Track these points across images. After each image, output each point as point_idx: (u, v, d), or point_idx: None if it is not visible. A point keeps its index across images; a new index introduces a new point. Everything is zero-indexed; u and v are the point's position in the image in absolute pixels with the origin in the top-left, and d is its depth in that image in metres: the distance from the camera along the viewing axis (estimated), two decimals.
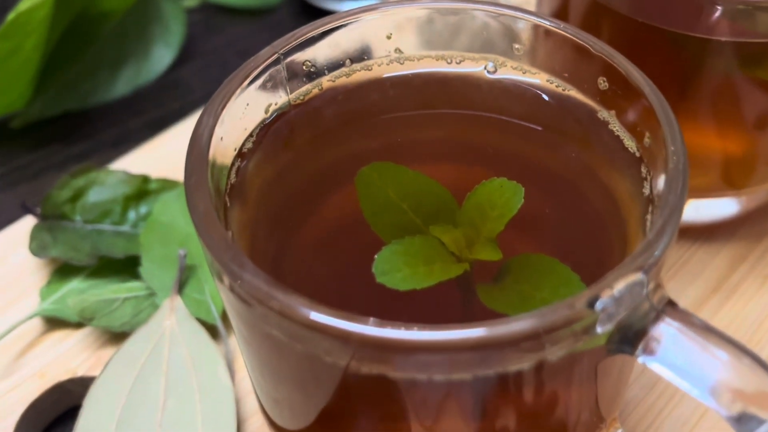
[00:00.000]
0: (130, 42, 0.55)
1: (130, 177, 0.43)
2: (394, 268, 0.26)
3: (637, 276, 0.23)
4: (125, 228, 0.42)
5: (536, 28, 0.31)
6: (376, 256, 0.26)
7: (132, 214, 0.42)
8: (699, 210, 0.42)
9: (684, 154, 0.26)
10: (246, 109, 0.29)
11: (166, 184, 0.43)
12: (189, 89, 0.55)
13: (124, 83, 0.54)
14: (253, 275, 0.23)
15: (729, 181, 0.41)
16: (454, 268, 0.27)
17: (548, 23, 0.30)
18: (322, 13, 0.60)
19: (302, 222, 0.29)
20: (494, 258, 0.27)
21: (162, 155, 0.47)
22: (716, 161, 0.40)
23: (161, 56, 0.55)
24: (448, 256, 0.27)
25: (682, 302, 0.40)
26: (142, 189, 0.43)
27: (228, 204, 0.28)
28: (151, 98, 0.54)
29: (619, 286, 0.22)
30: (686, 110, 0.39)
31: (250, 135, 0.30)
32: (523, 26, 0.31)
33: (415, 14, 0.32)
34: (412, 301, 0.26)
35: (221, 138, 0.27)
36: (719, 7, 0.33)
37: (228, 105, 0.28)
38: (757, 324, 0.40)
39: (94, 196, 0.42)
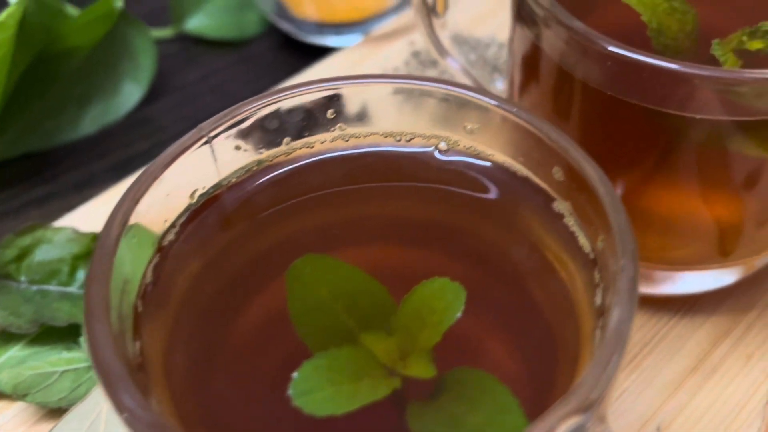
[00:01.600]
0: (98, 78, 0.53)
1: (78, 235, 0.41)
2: (316, 387, 0.24)
3: (579, 418, 0.20)
4: (72, 289, 0.40)
5: (489, 110, 0.28)
6: (294, 374, 0.24)
7: (81, 274, 0.40)
8: (681, 281, 0.40)
9: (635, 270, 0.23)
10: (167, 199, 0.27)
11: None
12: (158, 128, 0.53)
13: (90, 122, 0.52)
14: (138, 417, 0.21)
15: (712, 254, 0.38)
16: (383, 386, 0.24)
17: (502, 107, 0.28)
18: (302, 46, 0.58)
19: (225, 327, 0.27)
20: (427, 375, 0.25)
21: None
22: (699, 234, 0.37)
23: (130, 93, 0.53)
24: (379, 370, 0.25)
25: (659, 382, 0.38)
26: (92, 248, 0.41)
27: (140, 309, 0.25)
28: (118, 138, 0.52)
29: (560, 430, 0.20)
30: (666, 184, 0.36)
31: (172, 226, 0.27)
32: (477, 107, 0.28)
33: (362, 89, 0.29)
34: (337, 423, 0.24)
35: (133, 236, 0.25)
36: (705, 86, 0.31)
37: (143, 198, 0.25)
38: (739, 407, 0.37)
39: (40, 255, 0.40)
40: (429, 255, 0.29)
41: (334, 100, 0.29)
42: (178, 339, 0.26)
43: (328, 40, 0.58)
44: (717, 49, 0.35)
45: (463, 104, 0.28)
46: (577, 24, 0.31)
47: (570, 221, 0.27)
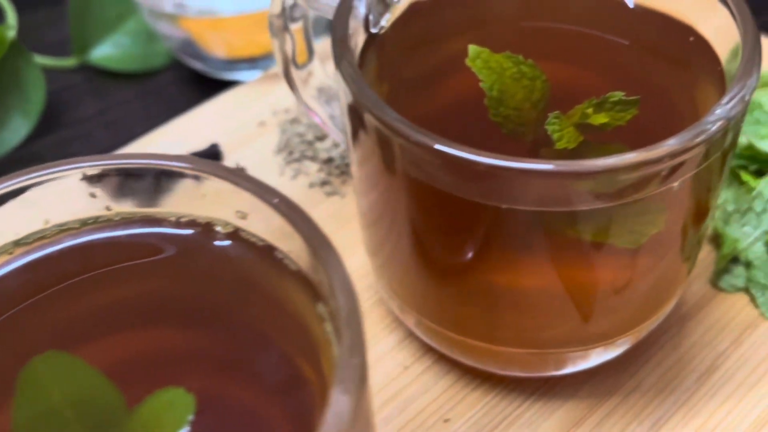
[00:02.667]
0: None
1: None
2: None
3: None
4: None
5: (250, 198, 0.26)
6: None
7: None
8: (542, 362, 0.37)
9: (351, 406, 0.21)
10: None
11: None
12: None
13: None
14: None
15: (572, 337, 0.35)
16: None
17: (260, 195, 0.25)
18: (208, 80, 0.56)
19: None
20: None
21: None
22: (563, 317, 0.34)
23: (17, 127, 0.52)
24: None
25: None
26: None
27: None
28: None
29: None
30: (497, 267, 0.33)
31: None
32: (241, 193, 0.26)
33: (124, 168, 0.27)
34: None
35: None
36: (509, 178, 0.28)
37: None
38: None
39: None
40: (188, 350, 0.27)
41: (95, 180, 0.27)
42: None
43: (237, 75, 0.56)
44: (552, 123, 0.32)
45: (228, 188, 0.26)
46: (384, 112, 0.29)
47: (328, 327, 0.25)
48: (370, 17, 0.35)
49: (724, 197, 0.44)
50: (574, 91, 0.36)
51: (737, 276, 0.41)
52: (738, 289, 0.41)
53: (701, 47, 0.35)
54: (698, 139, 0.29)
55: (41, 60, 0.56)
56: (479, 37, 0.37)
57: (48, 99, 0.55)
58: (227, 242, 0.27)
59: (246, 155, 0.48)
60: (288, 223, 0.25)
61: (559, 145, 0.32)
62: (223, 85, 0.55)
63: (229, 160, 0.48)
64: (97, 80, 0.57)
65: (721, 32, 0.34)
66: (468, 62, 0.33)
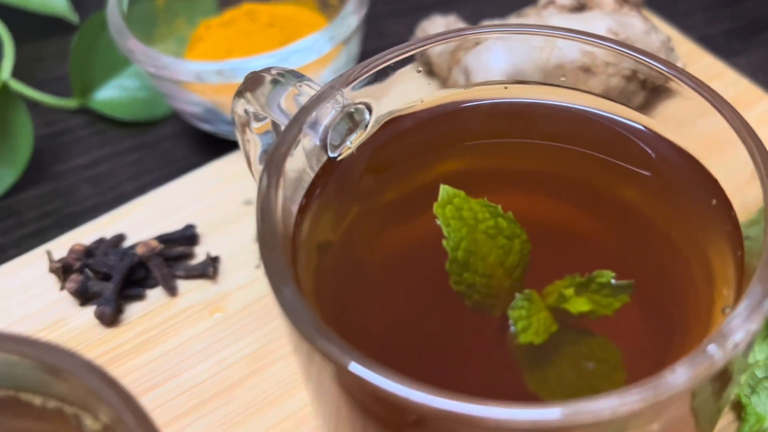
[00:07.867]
0: None
1: None
2: None
3: None
4: None
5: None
6: None
7: None
8: None
9: None
10: None
11: None
12: (21, 221, 0.48)
13: None
14: None
15: None
16: None
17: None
18: (207, 137, 0.52)
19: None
20: None
21: None
22: None
23: (1, 178, 0.48)
24: None
25: None
26: None
27: None
28: None
29: None
30: None
31: None
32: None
33: None
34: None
35: None
36: None
37: None
38: None
39: None
40: None
41: None
42: None
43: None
44: (519, 307, 0.26)
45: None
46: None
47: None
48: (331, 139, 0.30)
49: (755, 357, 0.37)
50: (560, 249, 0.30)
51: None
52: None
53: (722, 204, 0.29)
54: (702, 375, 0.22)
55: (41, 97, 0.52)
56: (459, 169, 0.32)
57: (42, 143, 0.52)
58: None
59: (225, 239, 0.43)
60: None
61: (524, 339, 0.26)
62: (227, 145, 0.50)
63: (205, 244, 0.44)
64: (97, 125, 0.53)
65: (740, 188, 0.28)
66: (435, 209, 0.28)
